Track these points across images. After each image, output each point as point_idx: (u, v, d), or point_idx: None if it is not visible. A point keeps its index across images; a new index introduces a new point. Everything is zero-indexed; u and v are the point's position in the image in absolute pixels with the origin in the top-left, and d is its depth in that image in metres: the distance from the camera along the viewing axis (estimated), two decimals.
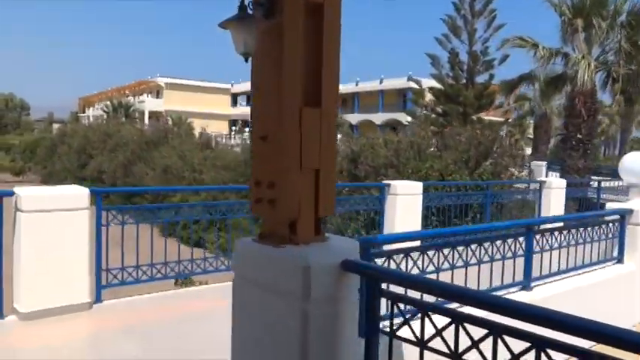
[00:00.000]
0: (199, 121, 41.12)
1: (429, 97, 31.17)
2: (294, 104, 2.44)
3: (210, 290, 5.86)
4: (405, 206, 7.88)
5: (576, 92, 16.82)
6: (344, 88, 55.09)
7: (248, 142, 29.03)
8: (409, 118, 44.60)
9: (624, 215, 5.57)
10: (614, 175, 21.88)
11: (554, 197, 11.01)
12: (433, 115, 29.59)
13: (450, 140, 18.22)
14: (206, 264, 5.82)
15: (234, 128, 48.78)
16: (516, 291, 4.80)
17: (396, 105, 49.75)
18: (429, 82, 30.91)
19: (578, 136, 16.95)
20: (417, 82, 30.13)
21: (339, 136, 22.49)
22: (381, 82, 50.81)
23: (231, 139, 41.99)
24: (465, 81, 28.80)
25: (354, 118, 51.43)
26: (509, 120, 31.37)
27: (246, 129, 44.83)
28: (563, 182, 11.25)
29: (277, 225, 2.59)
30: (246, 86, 58.59)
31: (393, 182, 7.93)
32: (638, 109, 25.96)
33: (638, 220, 5.58)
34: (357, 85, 53.92)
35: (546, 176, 22.03)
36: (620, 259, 5.72)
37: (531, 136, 33.40)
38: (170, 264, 5.63)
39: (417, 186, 8.19)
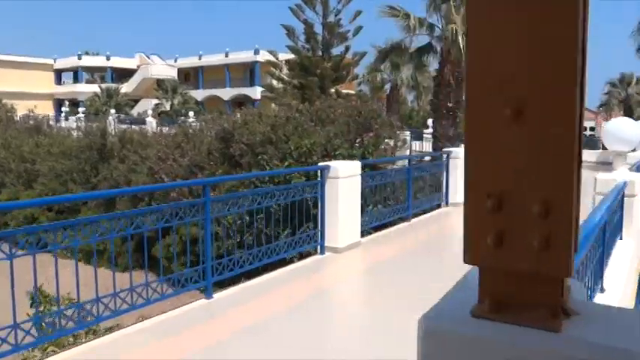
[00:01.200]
0: (24, 103, 35.17)
1: (284, 70, 30.29)
2: None
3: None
4: (347, 191, 6.77)
5: (445, 61, 17.12)
6: (186, 62, 51.70)
7: (91, 123, 25.30)
8: (259, 94, 43.57)
9: None
10: None
11: (461, 167, 10.78)
12: (289, 88, 28.84)
13: (323, 113, 17.46)
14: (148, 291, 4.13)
15: (64, 109, 42.82)
16: None
17: (244, 79, 48.07)
18: (285, 56, 29.96)
19: (449, 104, 17.35)
20: (274, 54, 28.94)
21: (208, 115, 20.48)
22: (226, 56, 48.53)
23: (62, 122, 36.71)
24: (321, 53, 28.43)
25: (199, 94, 48.60)
26: (362, 92, 31.91)
27: (80, 109, 39.58)
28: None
29: (541, 285, 1.24)
30: (72, 61, 51.90)
31: (332, 164, 6.74)
32: None
33: (633, 191, 5.18)
34: (200, 58, 50.91)
35: (410, 146, 22.63)
36: None
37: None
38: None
39: (357, 166, 7.12)
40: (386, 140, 17.40)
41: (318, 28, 27.54)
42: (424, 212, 9.67)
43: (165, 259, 5.38)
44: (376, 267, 6.42)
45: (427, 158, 12.59)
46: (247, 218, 7.61)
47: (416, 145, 23.44)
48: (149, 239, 4.54)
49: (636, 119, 32.37)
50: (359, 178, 7.12)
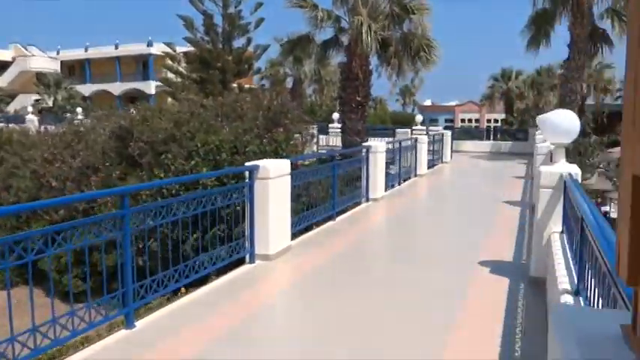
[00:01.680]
0: None
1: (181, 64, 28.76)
2: None
3: None
4: (278, 192, 6.21)
5: (353, 54, 16.97)
6: (70, 54, 47.74)
7: None
8: (153, 89, 41.19)
9: None
10: (388, 132, 23.52)
11: (380, 160, 10.62)
12: (188, 82, 27.49)
13: (229, 109, 16.65)
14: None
15: None
16: None
17: (136, 73, 45.31)
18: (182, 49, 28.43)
19: (358, 98, 17.25)
20: (171, 47, 27.34)
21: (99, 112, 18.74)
22: (116, 48, 45.40)
23: None
24: (221, 46, 27.31)
25: (86, 89, 45.10)
26: (264, 86, 31.21)
27: None
28: (384, 145, 10.94)
29: None
30: None
31: (261, 163, 6.13)
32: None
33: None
34: (86, 50, 47.18)
35: (318, 140, 22.42)
36: None
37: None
38: None
39: (286, 164, 6.57)
40: (296, 135, 16.98)
41: (218, 20, 26.45)
42: (346, 210, 9.37)
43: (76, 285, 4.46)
44: (312, 277, 5.92)
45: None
46: (170, 229, 6.77)
47: (322, 140, 23.26)
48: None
49: (515, 112, 34.70)
50: (289, 178, 6.58)
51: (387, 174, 11.41)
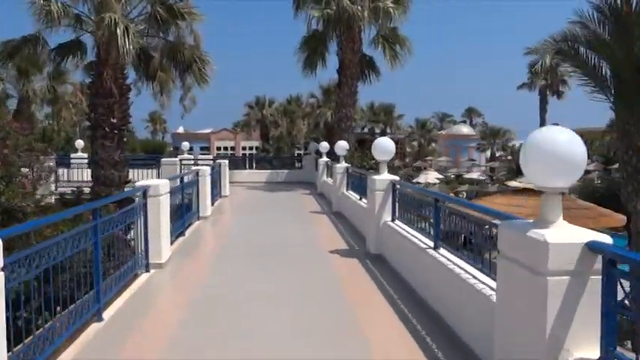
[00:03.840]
0: None
1: None
2: None
3: None
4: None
5: (104, 64, 12.98)
6: None
7: None
8: None
9: None
10: (152, 163, 19.20)
11: (164, 207, 7.25)
12: None
13: None
14: None
15: None
16: None
17: None
18: None
19: (112, 120, 13.24)
20: None
21: None
22: None
23: None
24: None
25: None
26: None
27: None
28: (166, 184, 7.54)
29: None
30: None
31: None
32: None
33: None
34: None
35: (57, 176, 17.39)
36: None
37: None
38: None
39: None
40: (23, 169, 12.16)
41: None
42: (120, 293, 5.77)
43: None
44: None
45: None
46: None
47: (64, 175, 18.11)
48: None
49: (270, 139, 33.72)
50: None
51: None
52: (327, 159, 17.30)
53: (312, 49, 19.99)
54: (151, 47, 14.57)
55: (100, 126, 13.27)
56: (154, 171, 17.99)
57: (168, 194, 7.57)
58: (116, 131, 13.39)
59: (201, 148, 63.73)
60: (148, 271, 6.85)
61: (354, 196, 11.51)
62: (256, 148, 57.07)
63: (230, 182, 17.51)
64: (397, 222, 7.62)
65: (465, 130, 68.83)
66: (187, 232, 9.73)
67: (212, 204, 12.90)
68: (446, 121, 69.79)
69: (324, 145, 18.11)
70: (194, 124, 71.08)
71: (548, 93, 47.26)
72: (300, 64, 20.37)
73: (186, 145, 21.75)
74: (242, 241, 9.69)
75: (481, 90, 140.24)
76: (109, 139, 13.31)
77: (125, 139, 14.04)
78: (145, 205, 6.79)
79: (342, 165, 13.38)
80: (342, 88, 19.47)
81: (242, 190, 18.71)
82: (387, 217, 7.86)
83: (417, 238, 6.31)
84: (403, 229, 7.01)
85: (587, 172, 28.09)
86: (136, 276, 6.53)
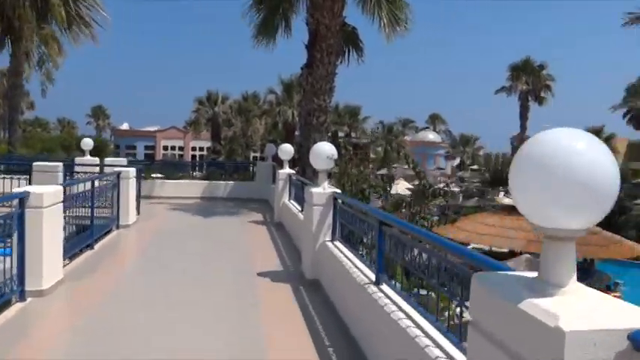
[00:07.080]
0: None
1: None
2: None
3: None
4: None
5: None
6: None
7: None
8: None
9: None
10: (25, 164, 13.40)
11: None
12: None
13: None
14: None
15: None
16: None
17: None
18: None
19: None
20: None
21: None
22: None
23: None
24: None
25: None
26: None
27: None
28: (58, 191, 6.16)
29: None
30: None
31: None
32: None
33: None
34: None
35: None
36: None
37: None
38: None
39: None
40: None
41: None
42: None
43: None
44: None
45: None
46: None
47: None
48: None
49: (223, 139, 30.60)
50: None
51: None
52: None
53: (271, 8, 14.96)
54: None
55: None
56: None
57: (61, 204, 6.17)
58: None
59: (146, 147, 60.60)
60: (23, 299, 5.45)
61: (295, 207, 10.35)
62: (207, 149, 52.99)
63: (150, 196, 14.29)
64: (337, 243, 6.52)
65: (432, 136, 67.19)
66: (96, 246, 8.23)
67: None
68: (408, 126, 66.05)
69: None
70: (143, 121, 67.72)
71: (529, 98, 45.47)
72: (252, 29, 15.28)
73: (87, 142, 15.70)
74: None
75: (444, 96, 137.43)
76: None
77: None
78: (22, 217, 5.40)
79: (285, 171, 12.21)
80: (314, 67, 13.47)
81: (163, 211, 13.35)
82: (326, 236, 6.75)
83: (357, 267, 5.21)
84: (343, 254, 5.88)
85: None
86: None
